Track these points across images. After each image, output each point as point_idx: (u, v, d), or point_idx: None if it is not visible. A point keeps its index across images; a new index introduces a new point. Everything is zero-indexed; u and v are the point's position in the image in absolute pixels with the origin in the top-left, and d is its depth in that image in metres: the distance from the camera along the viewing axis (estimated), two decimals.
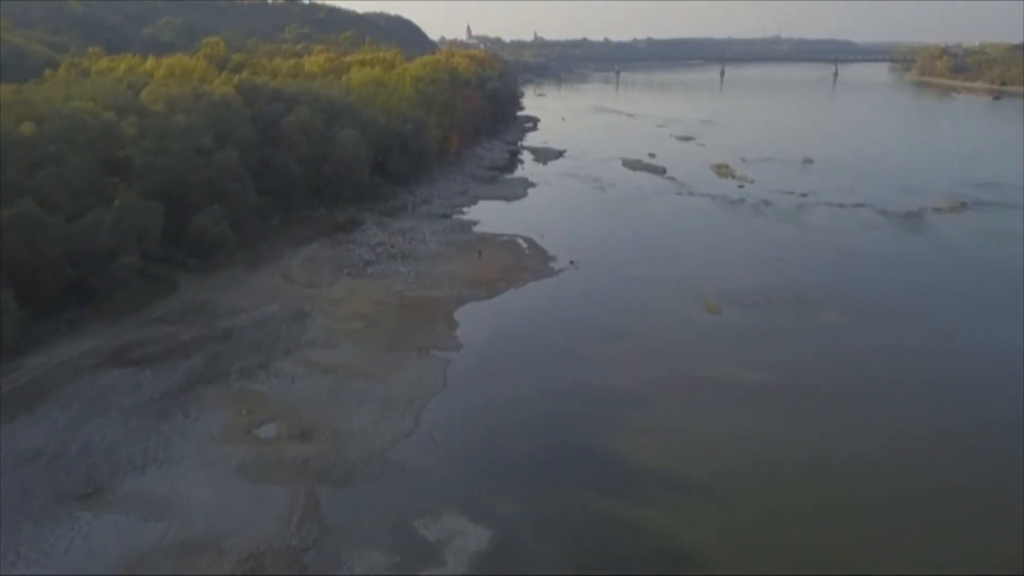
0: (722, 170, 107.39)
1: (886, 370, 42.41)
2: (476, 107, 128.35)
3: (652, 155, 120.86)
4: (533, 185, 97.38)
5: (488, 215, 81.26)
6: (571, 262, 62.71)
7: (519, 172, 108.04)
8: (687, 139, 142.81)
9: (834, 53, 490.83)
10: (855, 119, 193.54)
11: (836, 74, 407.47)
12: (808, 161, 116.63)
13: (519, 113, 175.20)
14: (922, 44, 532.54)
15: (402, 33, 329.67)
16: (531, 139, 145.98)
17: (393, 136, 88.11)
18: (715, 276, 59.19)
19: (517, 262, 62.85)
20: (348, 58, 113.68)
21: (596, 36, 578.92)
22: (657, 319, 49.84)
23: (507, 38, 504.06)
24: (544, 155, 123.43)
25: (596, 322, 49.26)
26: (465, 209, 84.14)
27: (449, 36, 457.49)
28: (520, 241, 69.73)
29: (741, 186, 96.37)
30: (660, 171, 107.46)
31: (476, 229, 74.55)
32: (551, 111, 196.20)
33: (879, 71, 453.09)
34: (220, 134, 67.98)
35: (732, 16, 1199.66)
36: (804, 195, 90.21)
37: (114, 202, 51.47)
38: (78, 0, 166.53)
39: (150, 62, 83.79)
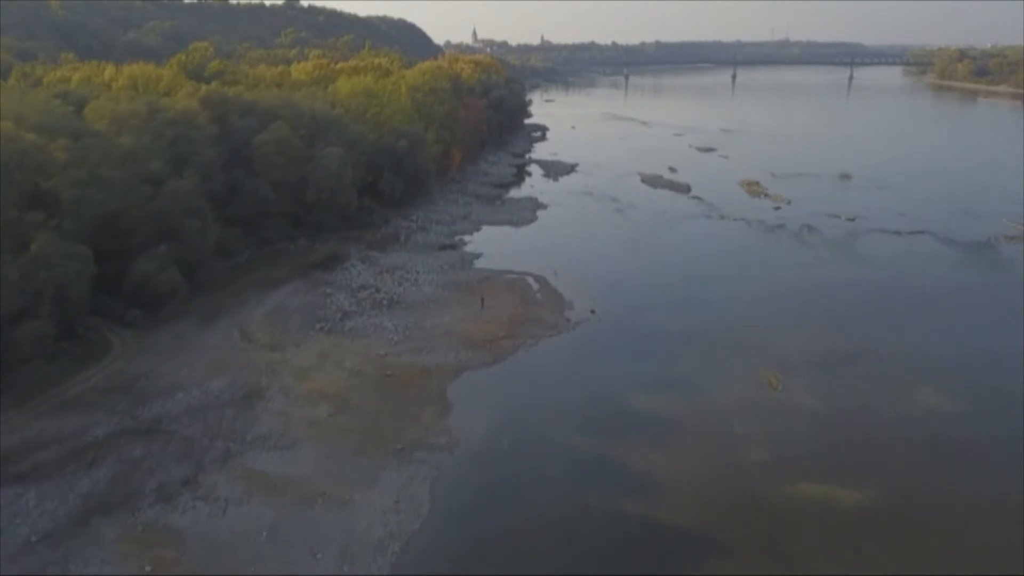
0: (753, 188, 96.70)
1: None
2: (481, 117, 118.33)
3: (673, 169, 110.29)
4: (543, 206, 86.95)
5: (493, 244, 71.00)
6: (592, 311, 52.23)
7: (527, 190, 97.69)
8: (708, 150, 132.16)
9: (846, 56, 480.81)
10: (883, 126, 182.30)
11: (851, 78, 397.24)
12: (846, 176, 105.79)
13: (527, 121, 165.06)
14: (933, 46, 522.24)
15: (406, 37, 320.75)
16: (540, 150, 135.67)
17: (385, 154, 77.86)
18: (767, 331, 48.58)
19: (527, 311, 52.37)
20: (340, 65, 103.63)
21: (604, 39, 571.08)
22: (705, 400, 39.20)
23: (513, 42, 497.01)
24: (554, 169, 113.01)
25: (628, 406, 38.67)
26: (467, 237, 73.76)
27: (455, 40, 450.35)
28: (530, 280, 59.31)
29: (778, 208, 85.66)
30: (684, 189, 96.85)
31: (479, 264, 64.19)
32: (560, 118, 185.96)
33: (892, 74, 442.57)
34: (178, 157, 57.99)
35: (741, 18, 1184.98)
36: (852, 219, 79.40)
37: (30, 248, 41.63)
38: (59, 2, 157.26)
39: (109, 71, 73.83)
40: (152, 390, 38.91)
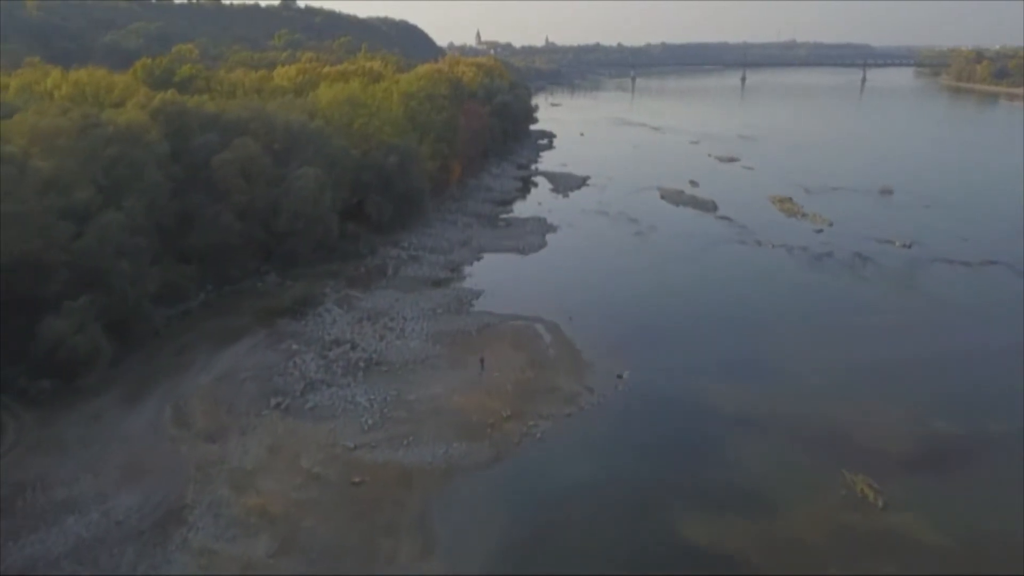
0: (787, 206, 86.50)
1: None
2: (483, 125, 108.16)
3: (694, 183, 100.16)
4: (552, 229, 76.87)
5: (496, 277, 61.09)
6: (618, 376, 42.17)
7: (534, 208, 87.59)
8: (730, 160, 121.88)
9: (855, 57, 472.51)
10: (910, 133, 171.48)
11: (864, 80, 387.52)
12: (887, 192, 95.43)
13: (532, 127, 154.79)
14: (938, 47, 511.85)
15: (408, 39, 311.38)
16: (547, 160, 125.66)
17: (372, 172, 67.90)
18: (843, 407, 38.34)
19: (537, 375, 42.26)
20: (326, 69, 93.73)
21: (609, 41, 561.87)
22: (782, 527, 28.97)
23: (518, 43, 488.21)
24: (564, 183, 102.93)
25: (680, 536, 28.44)
26: (466, 268, 63.91)
27: (458, 42, 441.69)
28: (540, 329, 49.26)
29: (819, 231, 75.41)
30: (710, 207, 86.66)
31: (478, 305, 54.21)
32: (567, 124, 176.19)
33: (904, 76, 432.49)
34: (116, 182, 48.12)
35: (746, 20, 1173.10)
36: (908, 246, 69.15)
37: None
38: (36, 2, 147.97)
39: (53, 77, 63.98)
40: (37, 510, 28.97)
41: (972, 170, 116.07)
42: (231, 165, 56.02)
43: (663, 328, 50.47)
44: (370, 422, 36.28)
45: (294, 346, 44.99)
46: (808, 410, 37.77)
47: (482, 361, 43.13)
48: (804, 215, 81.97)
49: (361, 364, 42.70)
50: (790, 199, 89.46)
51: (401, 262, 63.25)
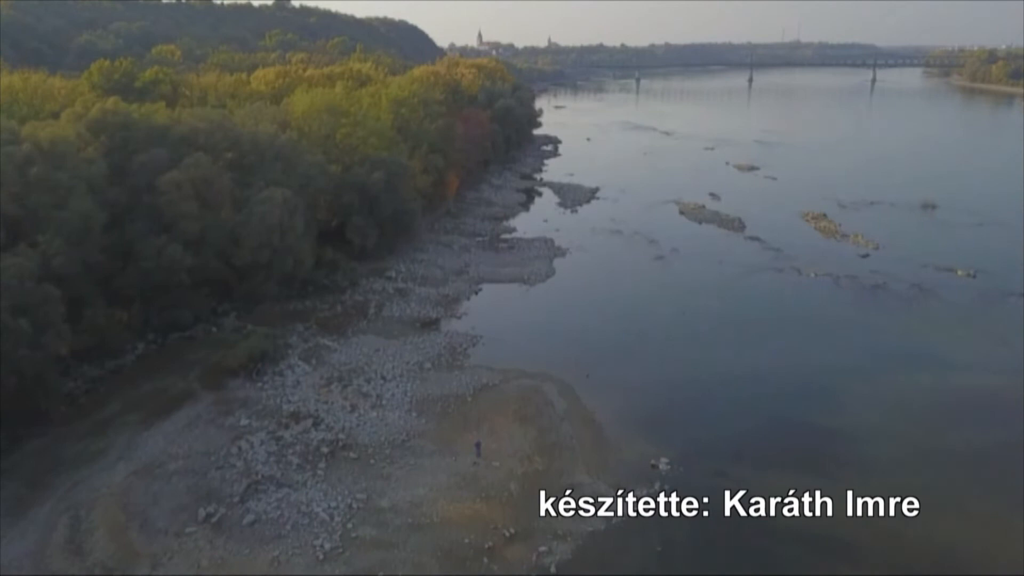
0: (823, 225, 77.28)
1: None
2: (483, 132, 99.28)
3: (715, 196, 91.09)
4: (561, 252, 67.83)
5: (496, 317, 52.33)
6: (652, 466, 33.14)
7: (540, 226, 78.51)
8: (750, 169, 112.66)
9: (861, 57, 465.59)
10: (935, 136, 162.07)
11: (874, 80, 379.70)
12: (929, 206, 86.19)
13: (536, 131, 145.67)
14: (944, 47, 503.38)
15: (408, 40, 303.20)
16: (552, 168, 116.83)
17: (354, 191, 58.92)
18: (947, 517, 29.27)
19: (549, 467, 33.08)
20: (308, 72, 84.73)
21: (612, 41, 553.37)
22: None
23: (520, 44, 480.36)
24: (571, 195, 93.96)
25: None
26: (461, 304, 55.05)
27: (459, 43, 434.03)
28: (550, 393, 40.20)
29: (865, 255, 66.24)
30: (736, 225, 77.54)
31: (475, 355, 45.35)
32: (572, 127, 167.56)
33: (913, 76, 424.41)
34: (33, 212, 39.30)
35: (750, 19, 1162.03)
36: (972, 275, 60.01)
37: None
38: (8, 1, 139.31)
39: None
40: None
41: (1016, 180, 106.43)
42: (181, 187, 46.99)
43: (700, 389, 41.39)
44: (327, 546, 27.18)
45: (243, 420, 35.95)
46: (907, 525, 28.51)
47: (478, 446, 33.99)
48: (844, 236, 72.75)
49: (324, 449, 33.63)
50: (824, 216, 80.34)
51: (386, 297, 54.26)
